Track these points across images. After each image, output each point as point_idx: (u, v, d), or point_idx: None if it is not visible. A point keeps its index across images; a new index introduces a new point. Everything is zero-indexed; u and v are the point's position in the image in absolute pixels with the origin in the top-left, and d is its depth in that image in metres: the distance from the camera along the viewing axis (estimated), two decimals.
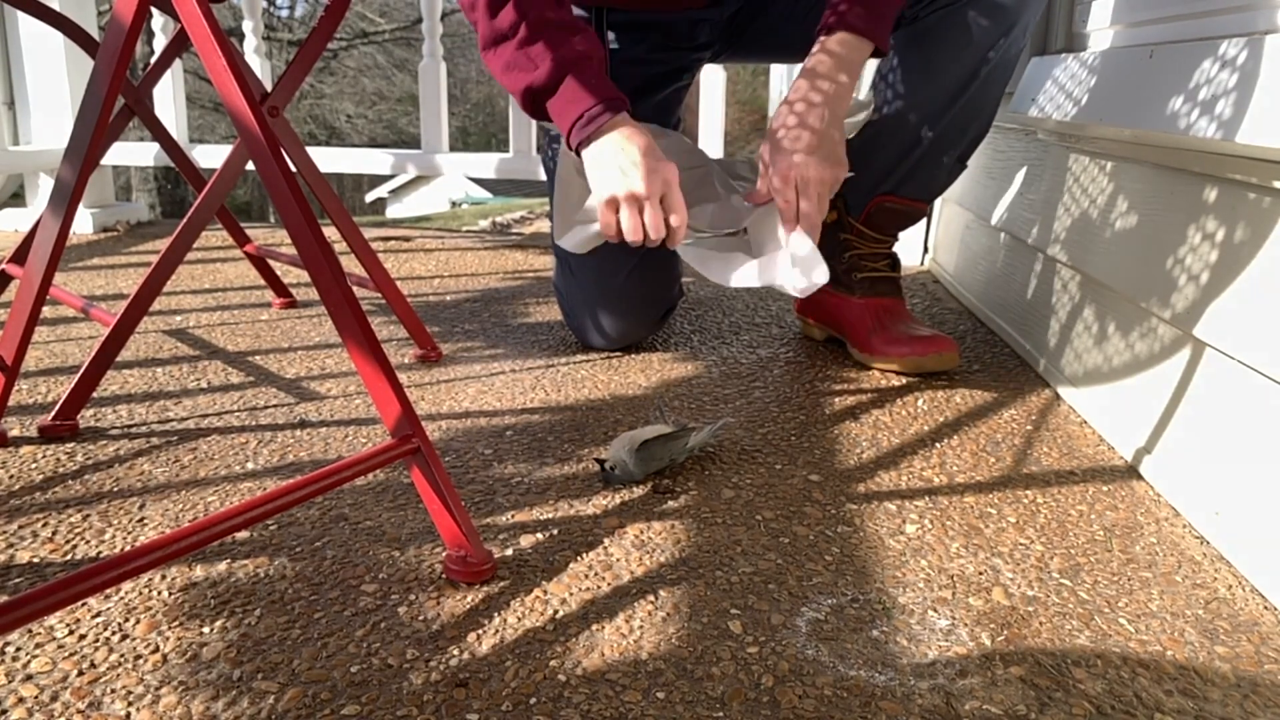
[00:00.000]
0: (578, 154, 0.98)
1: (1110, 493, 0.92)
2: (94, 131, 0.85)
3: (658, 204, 0.95)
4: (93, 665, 0.62)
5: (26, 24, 2.25)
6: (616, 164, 0.94)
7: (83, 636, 0.65)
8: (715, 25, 1.36)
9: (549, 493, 0.89)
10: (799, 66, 1.05)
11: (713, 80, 2.07)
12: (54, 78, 2.27)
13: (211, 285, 1.74)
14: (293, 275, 1.70)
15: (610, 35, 1.32)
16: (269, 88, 1.09)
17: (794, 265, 0.98)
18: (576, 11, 1.33)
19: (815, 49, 1.00)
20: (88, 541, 0.78)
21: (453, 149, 2.25)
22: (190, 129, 2.42)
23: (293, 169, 0.82)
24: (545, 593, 0.72)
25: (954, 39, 1.11)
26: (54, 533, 0.79)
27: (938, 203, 1.93)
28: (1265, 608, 0.72)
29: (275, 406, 1.10)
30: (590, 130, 0.95)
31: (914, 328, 1.25)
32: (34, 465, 0.92)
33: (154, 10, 1.83)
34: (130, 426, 1.03)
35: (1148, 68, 1.01)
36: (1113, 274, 1.08)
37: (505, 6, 0.96)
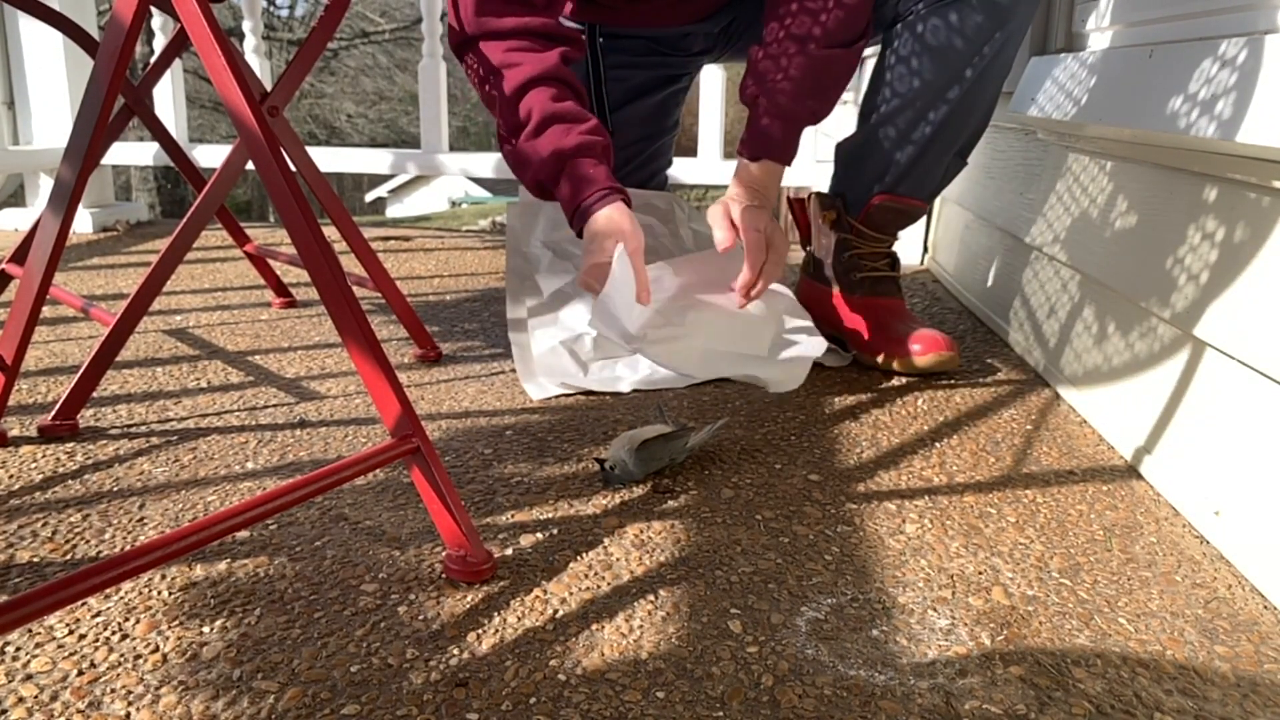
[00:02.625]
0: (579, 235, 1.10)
1: (1110, 492, 0.92)
2: (94, 131, 0.85)
3: (600, 266, 1.01)
4: (92, 665, 0.62)
5: (26, 24, 2.25)
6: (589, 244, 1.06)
7: (82, 636, 0.65)
8: (708, 36, 1.36)
9: (549, 492, 0.89)
10: None
11: (712, 80, 2.07)
12: (54, 78, 2.27)
13: (211, 285, 1.74)
14: (292, 275, 1.70)
15: (600, 41, 1.33)
16: (269, 87, 1.09)
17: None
18: (569, 25, 1.34)
19: (740, 170, 1.13)
20: (87, 541, 0.78)
21: (453, 148, 2.25)
22: (190, 129, 2.42)
23: (292, 169, 0.82)
24: (545, 592, 0.72)
25: (947, 37, 1.11)
26: (54, 532, 0.79)
27: (937, 202, 1.93)
28: (1265, 607, 0.72)
29: (275, 406, 1.10)
30: (585, 218, 1.06)
31: (914, 327, 1.25)
32: (34, 465, 0.92)
33: (154, 10, 1.83)
34: (130, 426, 1.03)
35: (1147, 67, 1.01)
36: (1112, 273, 1.08)
37: (519, 102, 1.08)
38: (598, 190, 1.05)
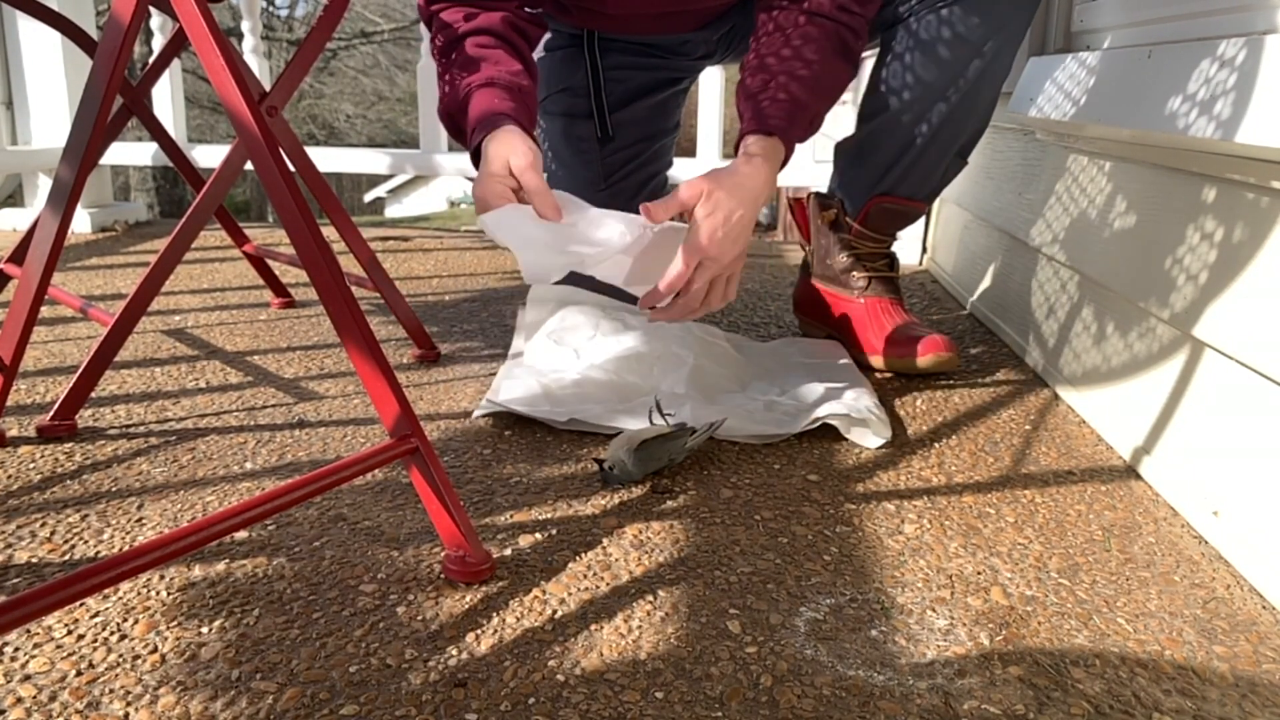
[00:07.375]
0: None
1: (1109, 492, 0.92)
2: (92, 131, 0.85)
3: (493, 196, 0.90)
4: (91, 665, 0.62)
5: (25, 24, 2.25)
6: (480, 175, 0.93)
7: (81, 637, 0.65)
8: (707, 42, 1.36)
9: (548, 493, 0.89)
10: None
11: (711, 80, 2.07)
12: (52, 78, 2.27)
13: (210, 285, 1.73)
14: (291, 275, 1.70)
15: (597, 42, 1.33)
16: (268, 87, 1.09)
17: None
18: (562, 31, 1.34)
19: (741, 149, 1.00)
20: (86, 541, 0.78)
21: (451, 149, 2.25)
22: (189, 129, 2.42)
23: (291, 169, 0.81)
24: (544, 593, 0.72)
25: (945, 38, 1.11)
26: (52, 533, 0.79)
27: (936, 202, 1.93)
28: (1263, 607, 0.73)
29: (274, 406, 1.10)
30: (475, 146, 0.96)
31: (913, 328, 1.25)
32: (32, 465, 0.92)
33: (152, 10, 1.83)
34: (128, 426, 1.03)
35: (1147, 68, 1.01)
36: (1111, 274, 1.08)
37: (438, 35, 1.05)
38: (488, 116, 0.95)
